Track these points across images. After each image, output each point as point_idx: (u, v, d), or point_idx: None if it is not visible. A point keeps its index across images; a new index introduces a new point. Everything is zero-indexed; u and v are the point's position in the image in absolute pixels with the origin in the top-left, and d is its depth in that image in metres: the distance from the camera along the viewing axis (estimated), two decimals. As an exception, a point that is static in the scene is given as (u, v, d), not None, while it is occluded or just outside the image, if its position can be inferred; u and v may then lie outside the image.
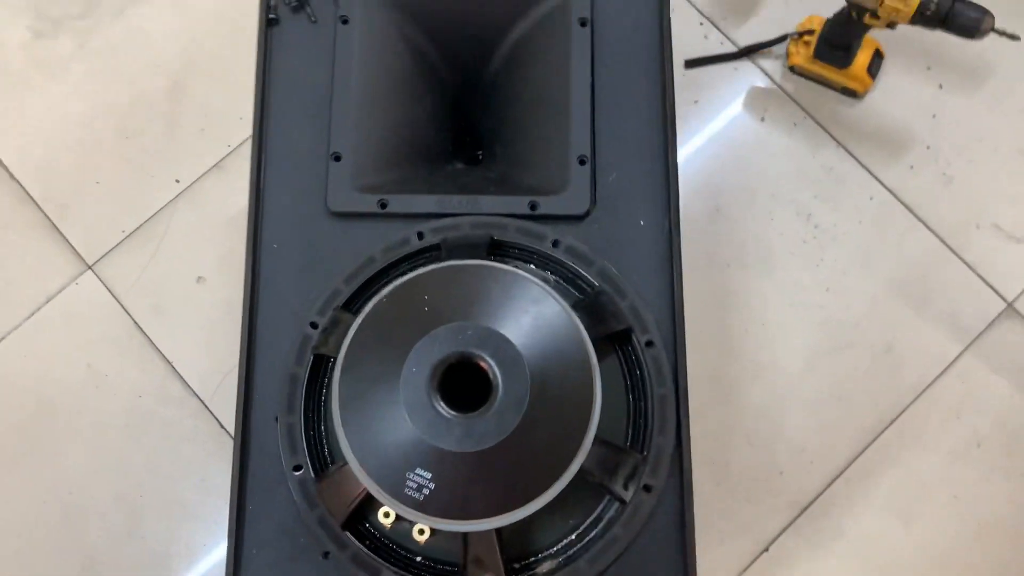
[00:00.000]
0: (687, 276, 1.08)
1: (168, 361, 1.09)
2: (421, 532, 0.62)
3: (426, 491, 0.57)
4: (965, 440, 1.06)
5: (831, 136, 1.14)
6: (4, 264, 1.12)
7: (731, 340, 1.09)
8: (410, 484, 0.57)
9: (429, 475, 0.57)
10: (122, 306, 1.11)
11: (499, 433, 0.58)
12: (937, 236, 1.12)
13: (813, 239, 1.12)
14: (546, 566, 0.69)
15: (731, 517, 1.05)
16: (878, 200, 1.13)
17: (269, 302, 0.75)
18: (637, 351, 0.72)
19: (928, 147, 1.14)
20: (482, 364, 0.59)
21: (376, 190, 0.76)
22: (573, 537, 0.70)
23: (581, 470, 0.64)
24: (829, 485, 1.06)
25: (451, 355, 0.59)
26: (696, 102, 1.16)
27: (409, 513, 0.58)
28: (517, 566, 0.69)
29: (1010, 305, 1.10)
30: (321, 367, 0.73)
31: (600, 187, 0.76)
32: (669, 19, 0.80)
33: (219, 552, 1.05)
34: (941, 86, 1.16)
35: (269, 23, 0.80)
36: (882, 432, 1.07)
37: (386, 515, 0.62)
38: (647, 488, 0.70)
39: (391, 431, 0.58)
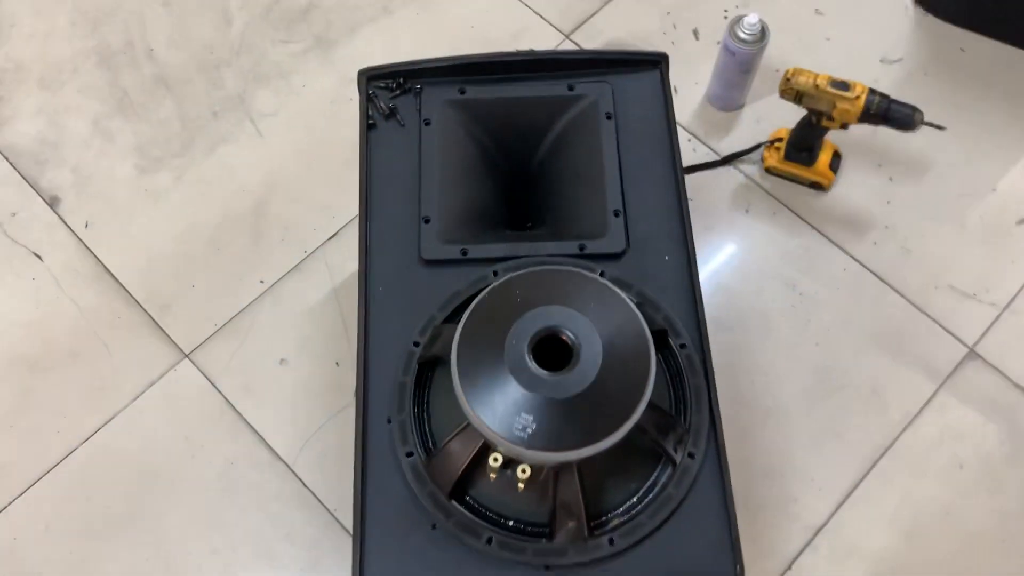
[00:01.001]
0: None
1: (256, 432, 1.26)
2: (524, 471, 0.79)
3: (529, 430, 0.75)
4: (949, 464, 1.23)
5: (805, 221, 1.38)
6: (113, 355, 1.30)
7: (741, 390, 1.28)
8: (517, 426, 0.75)
9: (531, 417, 0.75)
10: (215, 387, 1.29)
11: (580, 386, 0.76)
12: (904, 297, 1.33)
13: (800, 304, 1.33)
14: (615, 522, 0.85)
15: (755, 542, 1.20)
16: (850, 271, 1.35)
17: (377, 333, 0.94)
18: (674, 351, 0.92)
19: (887, 227, 1.38)
20: (564, 337, 0.78)
21: (457, 242, 0.97)
22: (635, 499, 0.86)
23: (640, 427, 0.82)
24: (838, 508, 1.21)
25: (542, 329, 0.78)
26: (691, 200, 1.40)
27: (517, 451, 0.75)
28: (592, 524, 0.85)
29: (971, 349, 1.30)
30: (423, 376, 0.92)
31: (632, 233, 0.98)
32: (673, 112, 1.05)
33: (304, 598, 1.18)
34: (891, 178, 1.41)
35: (369, 127, 1.04)
36: (878, 460, 1.24)
37: (495, 460, 0.79)
38: (691, 455, 0.87)
39: (500, 388, 0.76)
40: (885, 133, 1.35)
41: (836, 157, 1.39)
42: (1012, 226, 1.38)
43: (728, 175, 1.42)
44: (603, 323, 0.79)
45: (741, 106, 1.47)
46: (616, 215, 0.98)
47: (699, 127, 1.46)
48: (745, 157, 1.42)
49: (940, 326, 1.31)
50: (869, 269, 1.35)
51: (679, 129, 1.43)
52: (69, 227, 1.40)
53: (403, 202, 1.00)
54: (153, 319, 1.33)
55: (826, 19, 1.55)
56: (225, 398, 1.28)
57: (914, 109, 1.22)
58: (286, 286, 1.35)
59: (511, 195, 1.09)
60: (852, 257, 1.36)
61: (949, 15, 1.52)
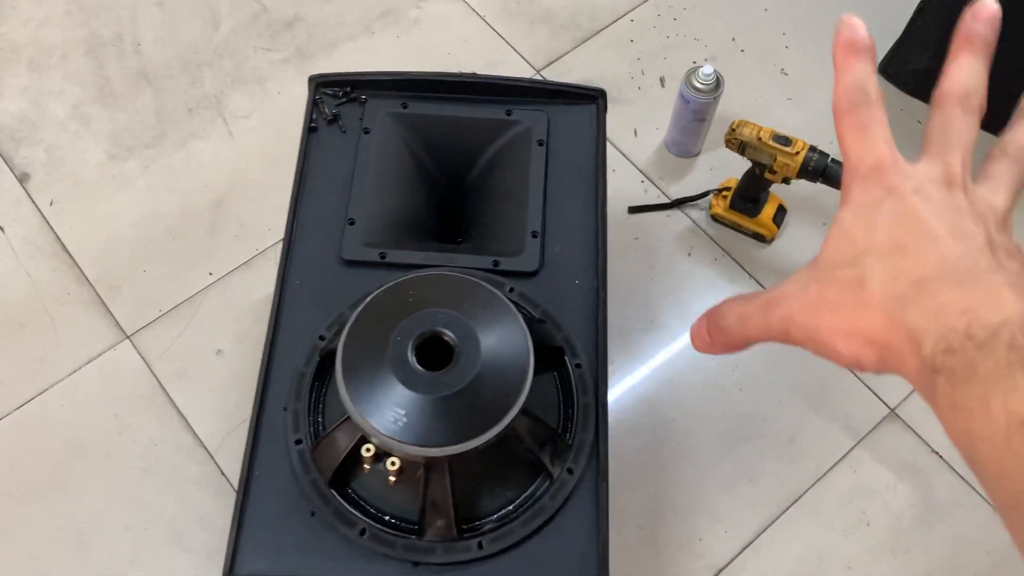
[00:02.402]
0: (627, 367, 1.32)
1: (184, 416, 1.29)
2: (393, 464, 0.82)
3: (401, 423, 0.78)
4: (856, 520, 1.25)
5: (744, 270, 1.42)
6: (57, 330, 1.34)
7: (663, 426, 1.30)
8: (389, 418, 0.78)
9: (403, 411, 0.78)
10: (151, 370, 1.32)
11: (455, 386, 0.79)
12: (831, 352, 1.35)
13: (730, 349, 1.35)
14: (488, 527, 0.87)
15: (656, 575, 1.21)
16: (783, 322, 1.37)
17: (288, 324, 0.98)
18: (569, 370, 0.95)
19: (824, 283, 1.40)
20: (446, 338, 0.82)
21: (378, 246, 1.01)
22: (511, 508, 0.89)
23: (516, 436, 0.85)
24: (741, 552, 1.23)
25: (426, 330, 0.82)
26: (636, 239, 1.44)
27: (388, 442, 0.78)
28: (465, 526, 0.87)
29: (892, 411, 1.32)
30: (323, 369, 0.95)
31: (548, 254, 1.02)
32: (604, 144, 1.09)
33: (207, 584, 1.20)
34: (834, 238, 1.44)
35: (310, 130, 1.08)
36: (786, 509, 1.25)
37: (367, 450, 0.82)
38: (570, 471, 0.89)
39: (379, 381, 0.80)
40: (833, 194, 1.39)
41: (781, 211, 1.43)
42: (947, 295, 1.40)
43: (676, 219, 1.46)
44: (488, 331, 0.82)
45: (697, 154, 1.51)
46: (534, 236, 1.02)
47: (654, 170, 1.50)
48: (694, 203, 1.46)
49: (865, 384, 1.34)
50: (801, 322, 1.37)
51: (634, 170, 1.48)
52: (35, 203, 1.45)
53: (333, 204, 1.04)
54: (101, 299, 1.37)
55: (789, 79, 1.59)
56: (159, 381, 1.31)
57: (851, 169, 1.25)
58: (233, 280, 1.39)
59: (444, 209, 1.12)
60: (786, 309, 1.38)
61: (909, 88, 1.56)
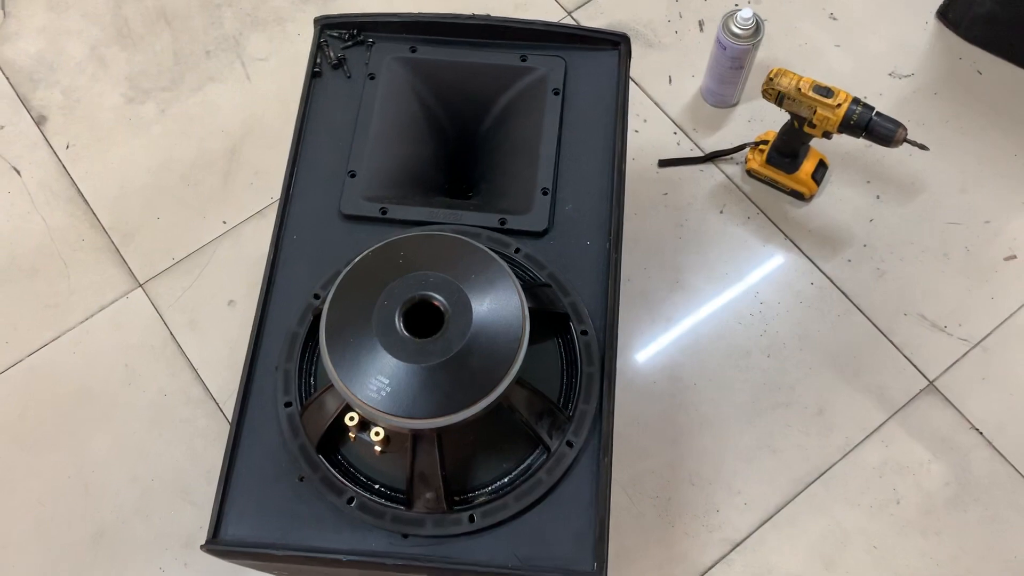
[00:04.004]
0: (649, 330, 1.26)
1: (194, 368, 1.27)
2: (377, 435, 0.78)
3: (384, 392, 0.73)
4: (885, 497, 1.18)
5: (780, 230, 1.33)
6: (71, 276, 1.33)
7: (683, 392, 1.24)
8: (372, 387, 0.74)
9: (387, 380, 0.74)
10: (163, 319, 1.30)
11: (443, 355, 0.74)
12: (869, 319, 1.28)
13: (759, 312, 1.28)
14: (481, 499, 0.83)
15: (669, 546, 1.17)
16: (818, 285, 1.30)
17: (284, 280, 0.94)
18: (573, 338, 0.89)
19: (865, 245, 1.32)
20: (436, 303, 0.77)
21: (380, 200, 0.96)
22: (506, 480, 0.84)
23: (510, 407, 0.80)
24: (760, 526, 1.17)
25: (415, 295, 0.77)
26: (665, 194, 1.36)
27: (370, 412, 0.74)
28: (457, 499, 0.83)
29: (931, 384, 1.24)
30: (316, 328, 0.90)
31: (558, 214, 0.95)
32: (626, 94, 1.01)
33: (213, 537, 1.18)
34: (879, 196, 1.35)
35: (314, 75, 1.03)
36: (810, 484, 1.19)
37: (351, 419, 0.78)
38: (569, 444, 0.84)
39: (363, 347, 0.75)
40: (880, 150, 1.30)
41: (822, 167, 1.34)
42: (998, 261, 1.31)
43: (709, 173, 1.38)
44: (481, 296, 0.77)
45: (734, 104, 1.42)
46: (544, 193, 0.96)
47: (688, 121, 1.42)
48: (728, 157, 1.38)
49: (902, 354, 1.26)
50: (837, 286, 1.30)
51: (667, 120, 1.40)
52: (51, 147, 1.42)
53: (334, 154, 0.99)
54: (115, 245, 1.35)
55: (839, 25, 1.48)
56: (170, 331, 1.29)
57: (898, 125, 1.16)
58: (246, 229, 1.36)
59: (453, 162, 1.07)
60: (822, 272, 1.31)
61: (972, 35, 1.45)
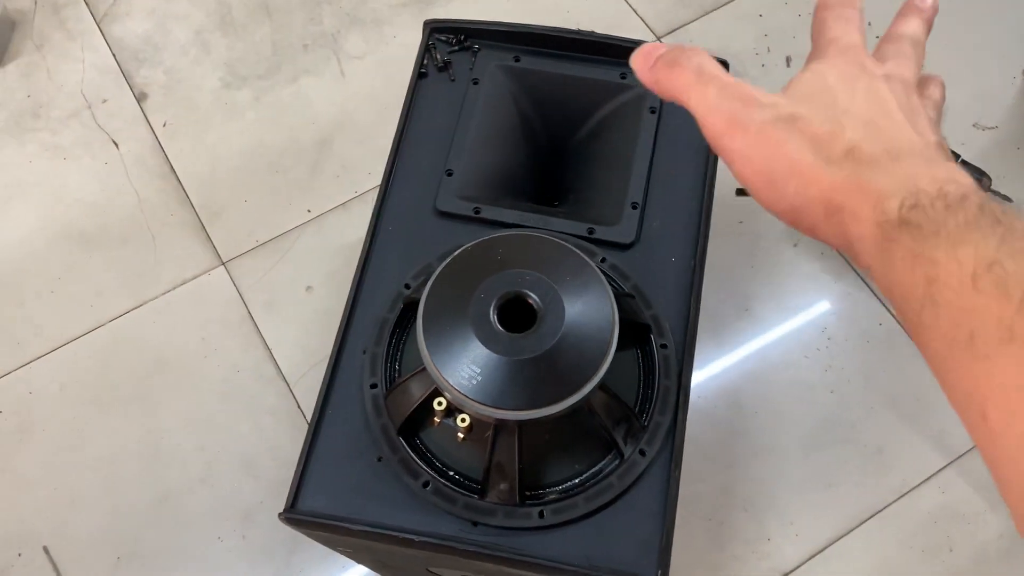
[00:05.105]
0: (715, 354, 1.27)
1: (268, 347, 1.31)
2: (463, 421, 0.80)
3: (475, 381, 0.76)
4: (938, 543, 1.18)
5: (852, 269, 1.35)
6: (158, 249, 1.38)
7: (743, 419, 1.25)
8: (463, 375, 0.76)
9: (479, 369, 0.76)
10: (242, 298, 1.34)
11: (533, 351, 0.77)
12: (934, 365, 1.28)
13: (825, 348, 1.29)
14: (551, 497, 0.86)
15: (717, 568, 1.18)
16: (886, 327, 1.31)
17: (376, 269, 0.97)
18: (653, 350, 0.91)
19: (935, 292, 1.32)
20: (530, 301, 0.79)
21: (473, 200, 0.99)
22: (576, 481, 0.86)
23: (590, 409, 0.82)
24: (810, 558, 1.18)
25: (511, 291, 0.80)
26: (741, 222, 1.38)
27: (459, 399, 0.77)
28: (528, 493, 0.86)
29: (993, 435, 1.24)
30: (405, 317, 0.94)
31: (645, 228, 0.98)
32: (719, 120, 1.04)
33: (271, 513, 1.22)
34: (953, 245, 1.35)
35: (420, 76, 1.07)
36: (864, 522, 1.20)
37: (439, 403, 0.81)
38: (642, 452, 0.86)
39: (457, 336, 0.78)
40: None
41: (899, 210, 1.35)
42: (1071, 320, 1.30)
43: (785, 206, 1.39)
44: (574, 299, 0.80)
45: (815, 141, 1.43)
46: (634, 207, 0.98)
47: (768, 153, 1.43)
48: (806, 191, 1.39)
49: (966, 403, 1.26)
50: (905, 331, 1.30)
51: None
52: (149, 123, 1.48)
53: (434, 153, 1.02)
54: (202, 223, 1.40)
55: (928, 69, 1.49)
56: (248, 310, 1.34)
57: (982, 174, 1.17)
58: (329, 219, 1.40)
59: (544, 169, 1.10)
60: (891, 314, 1.31)
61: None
